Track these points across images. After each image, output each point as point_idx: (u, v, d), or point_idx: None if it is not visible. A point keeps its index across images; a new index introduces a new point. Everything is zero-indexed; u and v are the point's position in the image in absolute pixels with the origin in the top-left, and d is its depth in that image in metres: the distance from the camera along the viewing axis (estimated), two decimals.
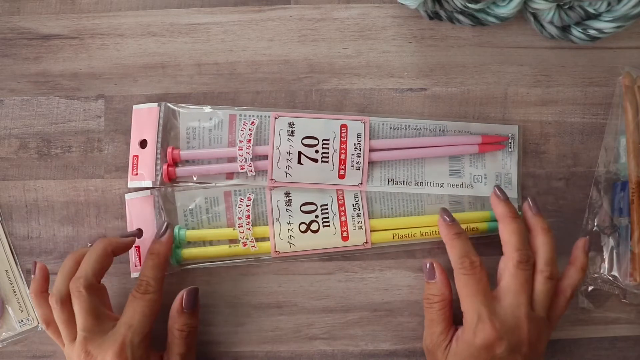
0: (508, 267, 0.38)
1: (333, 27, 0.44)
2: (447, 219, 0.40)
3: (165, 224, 0.41)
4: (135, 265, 0.42)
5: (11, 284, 0.43)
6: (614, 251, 0.42)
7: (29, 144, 0.44)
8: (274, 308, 0.43)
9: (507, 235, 0.39)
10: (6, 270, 0.43)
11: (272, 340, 0.43)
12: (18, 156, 0.44)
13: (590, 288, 0.43)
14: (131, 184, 0.43)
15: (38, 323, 0.43)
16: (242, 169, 0.42)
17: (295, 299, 0.43)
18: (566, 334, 0.43)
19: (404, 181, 0.43)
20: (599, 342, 0.43)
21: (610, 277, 0.42)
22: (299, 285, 0.43)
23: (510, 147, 0.43)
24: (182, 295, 0.39)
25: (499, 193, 0.40)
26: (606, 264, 0.42)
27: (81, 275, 0.37)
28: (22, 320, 0.43)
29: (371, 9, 0.44)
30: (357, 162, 0.42)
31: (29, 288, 0.43)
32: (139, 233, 0.42)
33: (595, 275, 0.42)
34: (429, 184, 0.43)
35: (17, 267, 0.43)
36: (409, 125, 0.43)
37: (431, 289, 0.40)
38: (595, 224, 0.43)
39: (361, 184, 0.42)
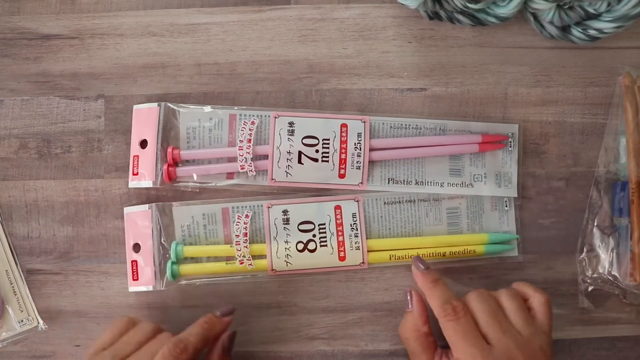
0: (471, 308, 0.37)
1: (333, 27, 0.44)
2: (422, 267, 0.39)
3: (232, 308, 0.40)
4: (133, 280, 0.42)
5: (11, 284, 0.43)
6: (614, 251, 0.42)
7: (29, 144, 0.44)
8: (274, 308, 0.43)
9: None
10: (6, 270, 0.43)
11: (272, 340, 0.43)
12: (18, 156, 0.44)
13: (590, 288, 0.43)
14: (132, 184, 0.43)
15: (38, 323, 0.43)
16: (242, 168, 0.42)
17: (295, 299, 0.43)
18: (566, 334, 0.43)
19: (404, 180, 0.43)
20: (599, 342, 0.43)
21: (610, 277, 0.42)
22: (299, 285, 0.43)
23: (510, 146, 0.43)
24: (223, 341, 0.39)
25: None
26: (606, 264, 0.42)
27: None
28: (22, 320, 0.42)
29: (371, 9, 0.44)
30: (357, 162, 0.42)
31: (29, 288, 0.43)
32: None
33: (595, 275, 0.42)
34: (429, 183, 0.43)
35: (17, 267, 0.43)
36: (409, 125, 0.43)
37: (405, 321, 0.40)
38: (595, 224, 0.43)
39: (361, 183, 0.42)
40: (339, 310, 0.43)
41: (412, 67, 0.44)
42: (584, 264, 0.43)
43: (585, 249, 0.43)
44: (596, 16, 0.41)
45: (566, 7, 0.41)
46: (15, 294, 0.43)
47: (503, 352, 0.35)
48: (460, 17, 0.42)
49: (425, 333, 0.39)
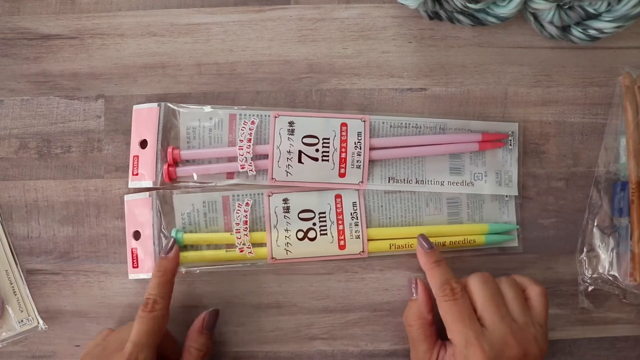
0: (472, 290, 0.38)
1: (333, 27, 0.44)
2: (426, 245, 0.40)
3: (172, 240, 0.41)
4: (133, 267, 0.42)
5: (11, 284, 0.43)
6: (614, 251, 0.42)
7: (29, 144, 0.44)
8: (274, 308, 0.43)
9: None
10: (6, 270, 0.43)
11: (272, 340, 0.43)
12: (18, 156, 0.44)
13: (590, 288, 0.43)
14: (132, 184, 0.43)
15: (38, 323, 0.43)
16: (242, 168, 0.42)
17: (295, 299, 0.43)
18: (566, 334, 0.43)
19: (404, 179, 0.43)
20: (599, 342, 0.43)
21: (610, 277, 0.42)
22: (299, 285, 0.43)
23: (510, 145, 0.43)
24: (203, 316, 0.41)
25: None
26: (606, 264, 0.42)
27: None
28: (22, 320, 0.42)
29: (371, 9, 0.44)
30: (357, 161, 0.42)
31: (29, 288, 0.43)
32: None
33: (595, 275, 0.42)
34: (429, 182, 0.43)
35: (17, 267, 0.43)
36: (409, 124, 0.43)
37: (410, 308, 0.40)
38: (595, 224, 0.43)
39: (362, 182, 0.42)
40: (339, 310, 0.43)
41: (412, 67, 0.44)
42: (584, 264, 0.43)
43: (585, 249, 0.43)
44: (596, 16, 0.41)
45: (566, 7, 0.41)
46: (15, 294, 0.43)
47: (497, 337, 0.36)
48: (460, 17, 0.42)
49: (429, 321, 0.39)
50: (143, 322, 0.37)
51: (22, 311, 0.43)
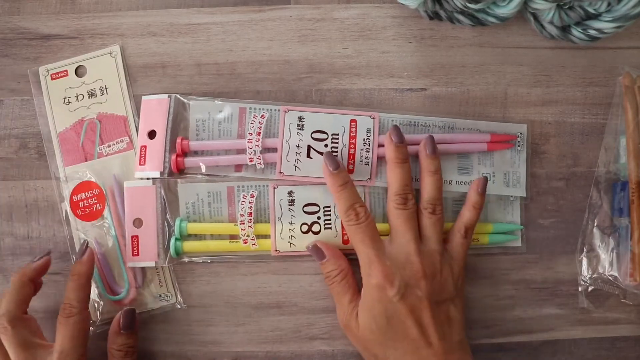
0: (390, 209, 0.39)
1: (333, 27, 0.44)
2: (331, 166, 0.39)
3: (85, 243, 0.40)
4: (133, 255, 0.42)
5: None
6: (614, 251, 0.42)
7: (29, 144, 0.44)
8: (274, 308, 0.43)
9: (391, 179, 0.40)
10: None
11: (272, 340, 0.43)
12: (18, 156, 0.44)
13: (590, 288, 0.43)
14: (138, 174, 0.42)
15: (177, 300, 0.42)
16: (251, 161, 0.41)
17: (295, 299, 0.43)
18: (566, 334, 0.43)
19: (412, 177, 0.42)
20: (599, 342, 0.43)
21: (610, 277, 0.42)
22: (299, 285, 0.43)
23: (518, 146, 0.43)
24: (119, 315, 0.40)
25: (394, 136, 0.40)
26: (606, 264, 0.42)
27: (3, 312, 0.37)
28: (160, 295, 0.42)
29: (371, 9, 0.44)
30: (366, 157, 0.42)
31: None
32: (49, 253, 0.41)
33: (595, 275, 0.42)
34: None
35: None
36: (418, 122, 0.43)
37: (327, 267, 0.40)
38: (595, 224, 0.43)
39: (370, 179, 0.42)
40: None
41: (412, 67, 0.44)
42: (584, 264, 0.43)
43: (585, 249, 0.43)
44: (596, 16, 0.41)
45: (566, 7, 0.41)
46: (157, 269, 0.42)
47: (402, 255, 0.37)
48: (460, 17, 0.42)
49: (350, 270, 0.40)
50: (64, 328, 0.38)
51: (161, 286, 0.42)
